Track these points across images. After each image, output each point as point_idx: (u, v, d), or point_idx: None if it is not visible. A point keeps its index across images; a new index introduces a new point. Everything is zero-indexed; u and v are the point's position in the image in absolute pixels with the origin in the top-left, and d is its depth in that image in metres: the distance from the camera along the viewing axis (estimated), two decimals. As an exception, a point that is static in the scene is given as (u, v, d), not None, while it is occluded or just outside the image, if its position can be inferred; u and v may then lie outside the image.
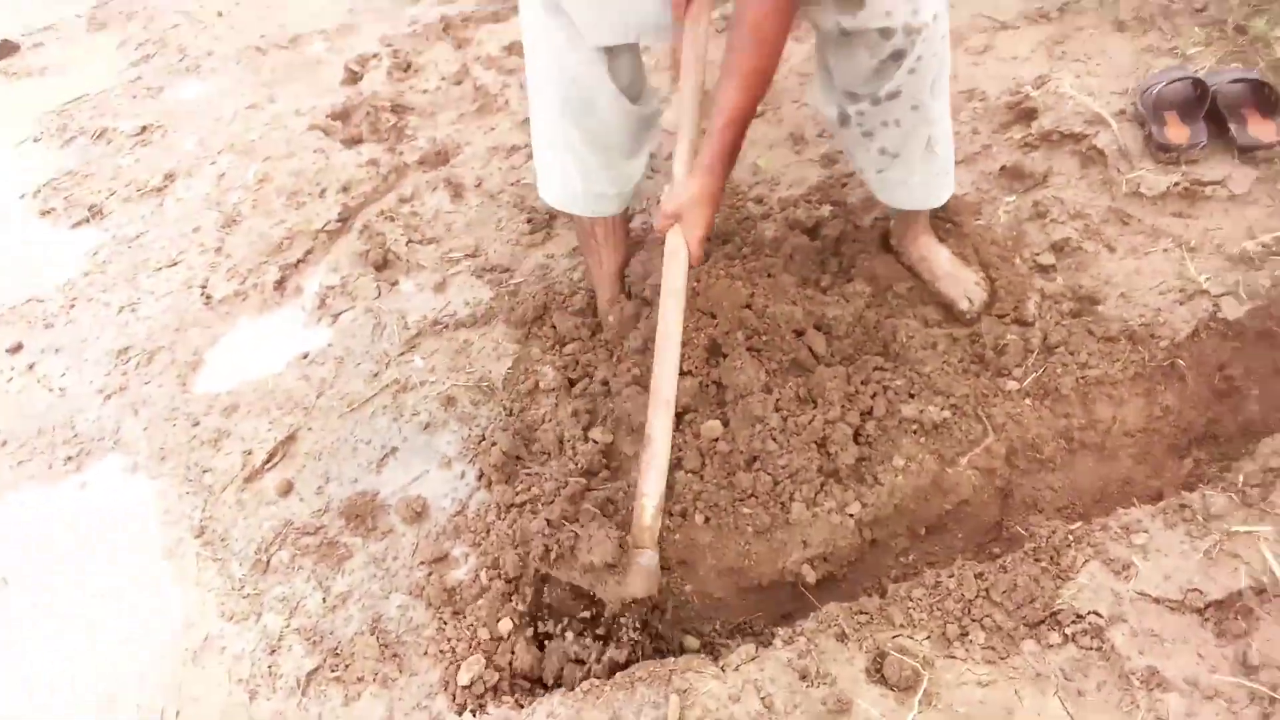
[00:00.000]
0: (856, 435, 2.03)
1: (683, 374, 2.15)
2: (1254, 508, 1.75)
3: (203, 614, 2.04)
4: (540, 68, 2.07)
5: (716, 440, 2.05)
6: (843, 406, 2.05)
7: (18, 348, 2.82)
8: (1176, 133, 2.55)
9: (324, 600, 2.01)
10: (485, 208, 2.95)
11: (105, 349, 2.70)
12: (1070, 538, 1.78)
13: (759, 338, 2.16)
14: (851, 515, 1.94)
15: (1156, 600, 1.66)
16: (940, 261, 2.32)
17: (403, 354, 2.53)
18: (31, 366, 2.75)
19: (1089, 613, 1.66)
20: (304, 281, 2.84)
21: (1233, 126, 2.52)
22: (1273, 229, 2.29)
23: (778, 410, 2.05)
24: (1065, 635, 1.64)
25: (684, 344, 2.18)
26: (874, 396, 2.08)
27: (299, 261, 2.89)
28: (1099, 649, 1.61)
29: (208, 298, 2.82)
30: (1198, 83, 2.60)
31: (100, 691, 1.99)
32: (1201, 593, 1.64)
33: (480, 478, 2.18)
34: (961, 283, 2.29)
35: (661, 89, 2.72)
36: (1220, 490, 1.80)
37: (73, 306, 2.92)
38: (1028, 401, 2.08)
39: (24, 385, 2.70)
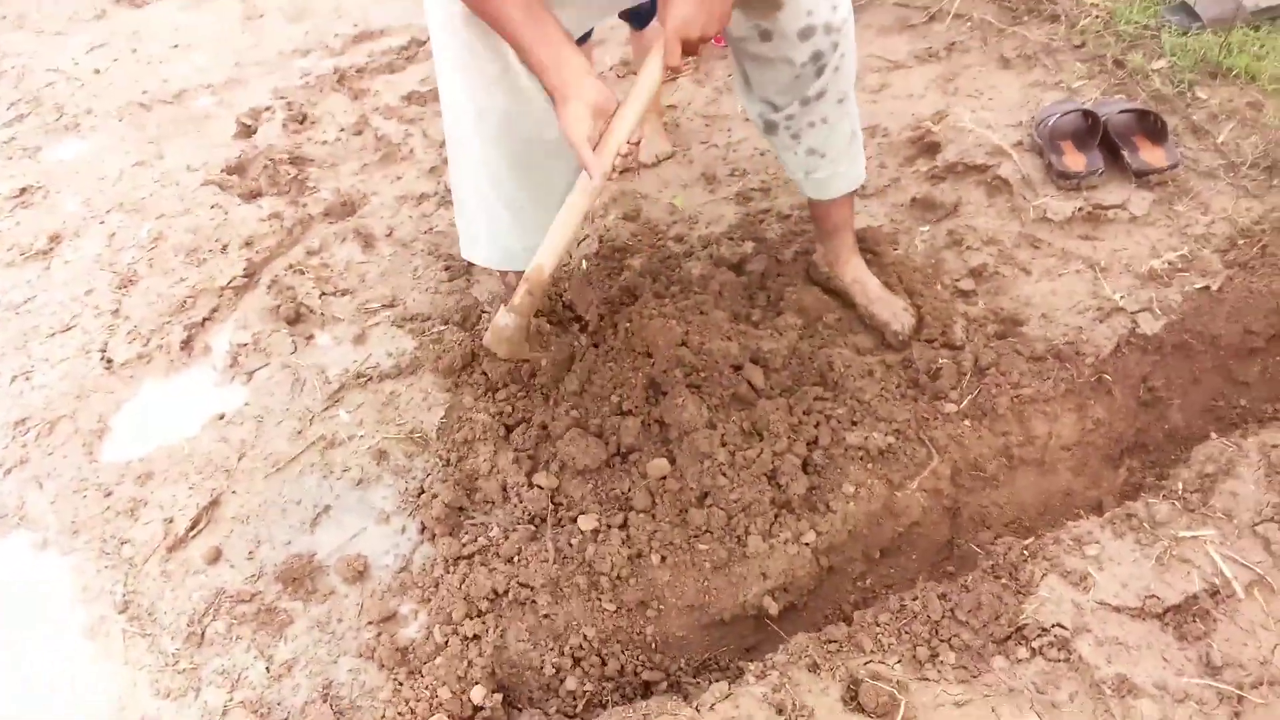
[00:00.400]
0: (805, 465, 2.04)
1: (624, 414, 2.14)
2: (1195, 512, 1.82)
3: (135, 694, 1.90)
4: (483, 136, 2.00)
5: (665, 478, 2.03)
6: (788, 438, 2.06)
7: (-100, 425, 2.62)
8: (1074, 161, 2.67)
9: (268, 670, 1.91)
10: (399, 257, 2.88)
11: (0, 421, 2.53)
12: (1026, 553, 1.81)
13: (697, 374, 2.16)
14: (807, 544, 1.94)
15: (1117, 609, 1.70)
16: (873, 284, 2.37)
17: (326, 409, 2.43)
18: (-83, 445, 2.56)
19: (1053, 625, 1.69)
20: (212, 340, 2.71)
21: (1125, 153, 2.65)
22: (1175, 248, 2.41)
23: (724, 445, 2.04)
24: (1033, 649, 1.67)
25: (620, 385, 2.18)
26: (817, 426, 2.09)
27: (205, 320, 2.76)
28: (1067, 660, 1.64)
29: (108, 362, 2.67)
30: (1088, 114, 2.73)
31: (24, 788, 1.84)
32: (1159, 598, 1.69)
33: (422, 531, 2.11)
34: (892, 306, 2.33)
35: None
36: (1162, 498, 1.87)
37: (-42, 378, 2.73)
38: (966, 423, 2.13)
39: (-89, 465, 2.51)
